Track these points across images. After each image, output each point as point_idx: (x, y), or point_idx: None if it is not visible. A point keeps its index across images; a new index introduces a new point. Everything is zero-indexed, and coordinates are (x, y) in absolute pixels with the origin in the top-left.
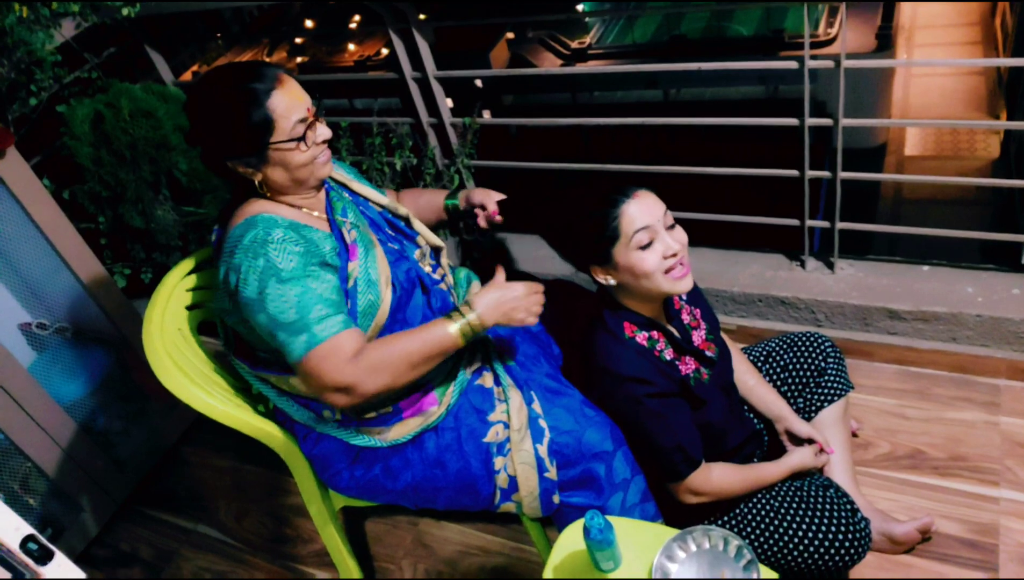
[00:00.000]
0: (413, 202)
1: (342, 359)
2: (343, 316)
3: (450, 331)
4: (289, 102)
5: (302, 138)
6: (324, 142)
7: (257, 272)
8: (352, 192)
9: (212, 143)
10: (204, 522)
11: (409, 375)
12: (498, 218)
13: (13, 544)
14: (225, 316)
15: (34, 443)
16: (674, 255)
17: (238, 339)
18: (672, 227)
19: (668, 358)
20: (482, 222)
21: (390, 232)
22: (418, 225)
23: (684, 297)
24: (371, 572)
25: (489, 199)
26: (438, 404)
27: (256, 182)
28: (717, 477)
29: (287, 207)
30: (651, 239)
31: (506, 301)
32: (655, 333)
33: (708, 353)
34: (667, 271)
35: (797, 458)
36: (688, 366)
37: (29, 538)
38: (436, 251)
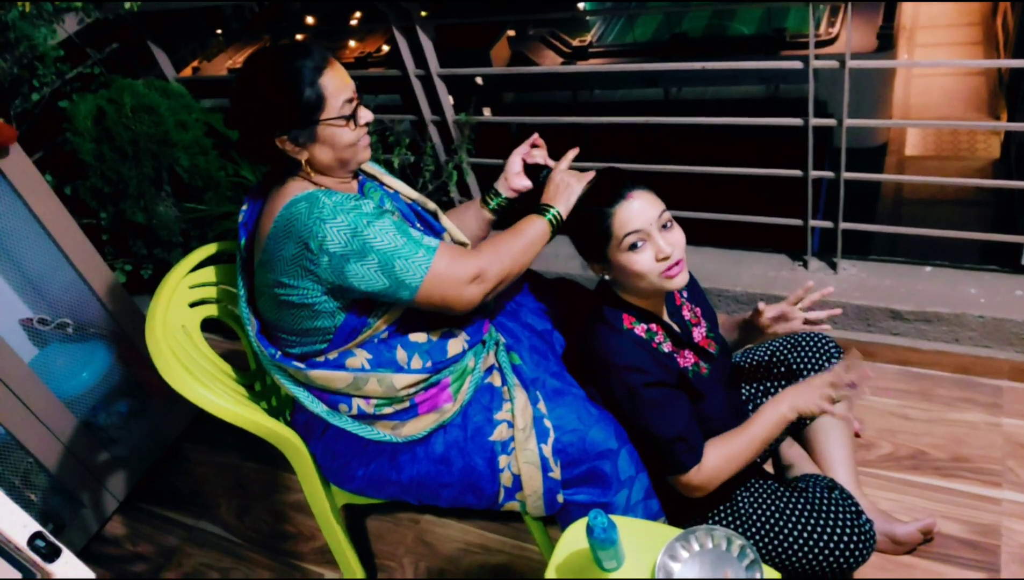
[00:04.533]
0: (458, 221)
1: (463, 253)
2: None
3: (546, 222)
4: (339, 82)
5: (351, 117)
6: (366, 125)
7: (346, 225)
8: (384, 185)
9: (262, 118)
10: (206, 519)
11: (521, 262)
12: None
13: (21, 541)
14: (262, 294)
15: (35, 438)
16: (666, 258)
17: (263, 324)
18: (668, 226)
19: (667, 350)
20: (541, 159)
21: (419, 226)
22: (445, 221)
23: (685, 294)
24: (373, 570)
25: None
26: (453, 401)
27: (302, 161)
28: (711, 461)
29: (325, 188)
30: (643, 241)
31: (567, 191)
32: (653, 326)
33: (709, 349)
34: (661, 271)
35: (794, 398)
36: (687, 360)
37: (37, 535)
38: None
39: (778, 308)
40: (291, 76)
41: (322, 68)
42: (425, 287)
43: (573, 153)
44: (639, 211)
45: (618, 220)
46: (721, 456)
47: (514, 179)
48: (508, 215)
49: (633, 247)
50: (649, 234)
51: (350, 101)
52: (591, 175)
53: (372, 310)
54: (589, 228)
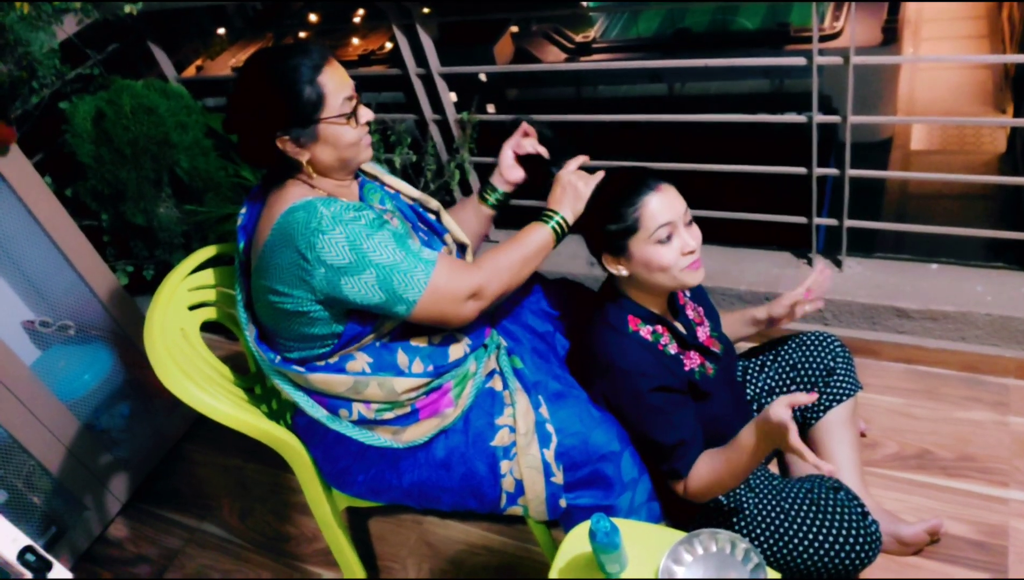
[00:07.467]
0: (457, 219)
1: (461, 267)
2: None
3: (550, 230)
4: (338, 80)
5: (352, 114)
6: (367, 124)
7: (344, 237)
8: (384, 185)
9: (262, 119)
10: (208, 520)
11: (521, 276)
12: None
13: (11, 556)
14: (258, 299)
15: (37, 441)
16: (692, 252)
17: (262, 329)
18: (689, 224)
19: (672, 352)
20: (531, 148)
21: (422, 226)
22: (447, 220)
23: (688, 293)
24: (375, 571)
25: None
26: (454, 406)
27: (303, 162)
28: (695, 484)
29: (325, 193)
30: (671, 234)
31: (573, 195)
32: (659, 327)
33: (714, 349)
34: (684, 266)
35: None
36: (693, 361)
37: (27, 549)
38: (462, 247)
39: (787, 306)
40: (290, 75)
41: (320, 66)
42: (422, 303)
43: (582, 159)
44: (670, 203)
45: (648, 211)
46: (704, 482)
47: (508, 172)
48: (508, 208)
49: (662, 240)
50: (677, 227)
51: (350, 99)
52: (600, 176)
53: (373, 319)
54: (611, 221)
